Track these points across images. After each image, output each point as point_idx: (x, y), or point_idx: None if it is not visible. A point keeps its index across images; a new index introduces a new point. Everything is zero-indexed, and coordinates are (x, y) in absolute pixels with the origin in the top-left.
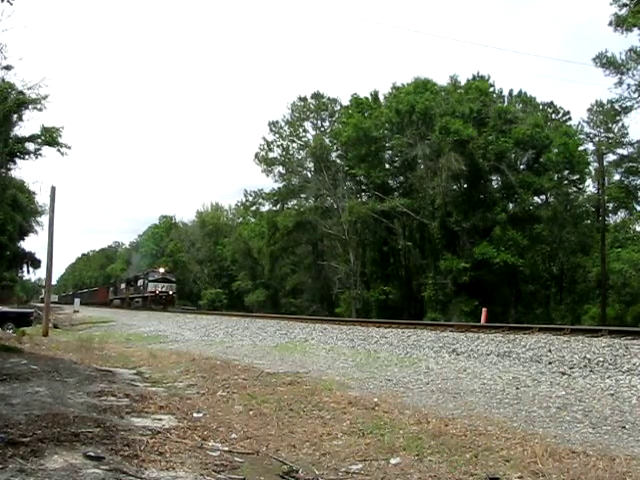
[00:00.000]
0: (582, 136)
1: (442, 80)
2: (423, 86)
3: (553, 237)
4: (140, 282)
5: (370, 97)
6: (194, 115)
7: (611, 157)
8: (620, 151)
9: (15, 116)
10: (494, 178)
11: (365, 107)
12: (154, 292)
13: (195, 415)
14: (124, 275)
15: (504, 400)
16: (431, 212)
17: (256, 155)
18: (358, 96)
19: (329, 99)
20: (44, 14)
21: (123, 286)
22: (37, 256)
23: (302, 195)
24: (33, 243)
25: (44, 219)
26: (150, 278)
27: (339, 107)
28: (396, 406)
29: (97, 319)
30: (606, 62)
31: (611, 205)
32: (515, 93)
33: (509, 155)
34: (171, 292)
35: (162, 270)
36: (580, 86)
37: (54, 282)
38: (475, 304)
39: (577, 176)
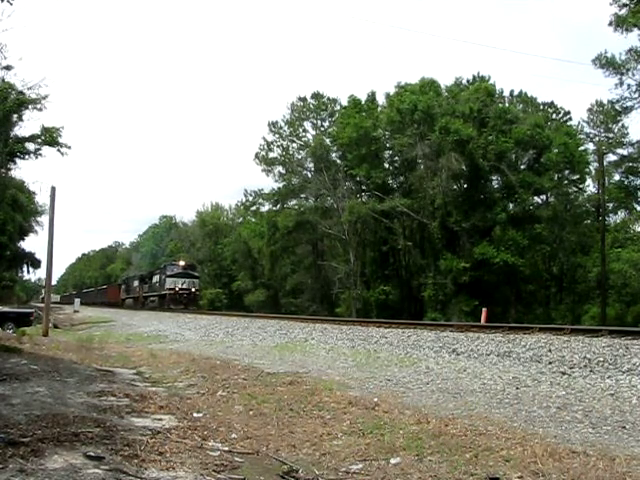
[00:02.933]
0: (582, 136)
1: (443, 81)
2: (428, 86)
3: (553, 237)
4: (156, 278)
5: (367, 97)
6: (194, 115)
7: (611, 157)
8: (620, 151)
9: (15, 116)
10: (494, 178)
11: (363, 107)
12: (173, 289)
13: (195, 415)
14: (124, 274)
15: (504, 400)
16: (431, 212)
17: (256, 155)
18: (356, 97)
19: (329, 99)
20: (44, 14)
21: (136, 284)
22: (37, 256)
23: (302, 195)
24: (33, 243)
25: (44, 219)
26: (168, 273)
27: (339, 107)
28: (396, 406)
29: (97, 319)
30: (606, 63)
31: (611, 205)
32: (516, 93)
33: (509, 155)
34: (194, 289)
35: (182, 263)
36: (581, 86)
37: (54, 282)
38: (475, 304)
39: (577, 176)
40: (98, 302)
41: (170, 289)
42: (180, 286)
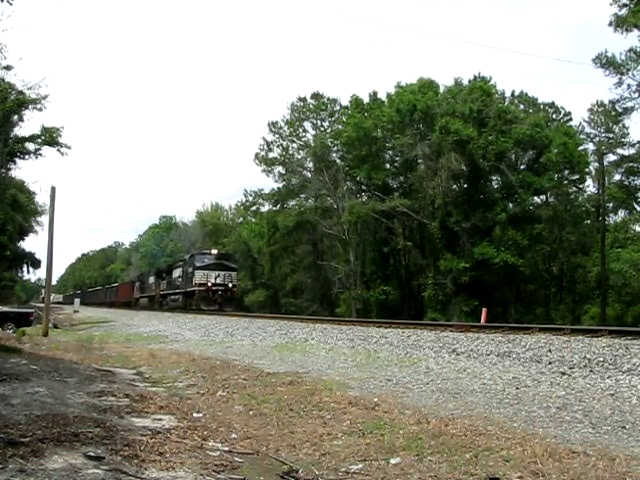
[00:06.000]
0: (583, 136)
1: (443, 80)
2: (427, 86)
3: (553, 237)
4: (178, 272)
5: (369, 97)
6: (194, 115)
7: (611, 157)
8: (621, 151)
9: (15, 116)
10: (494, 178)
11: (365, 107)
12: (205, 285)
13: (195, 415)
14: (125, 274)
15: (504, 400)
16: (431, 212)
17: (256, 155)
18: (358, 96)
19: (329, 99)
20: (44, 14)
21: (152, 280)
22: (37, 256)
23: (302, 195)
24: (33, 243)
25: (44, 219)
26: (198, 264)
27: (339, 107)
28: (396, 406)
29: (97, 319)
30: (606, 62)
31: (611, 205)
32: (517, 94)
33: (509, 155)
34: (231, 285)
35: (215, 251)
36: (580, 86)
37: (54, 282)
38: (475, 304)
39: (577, 176)
40: (107, 302)
41: (200, 285)
42: (213, 281)
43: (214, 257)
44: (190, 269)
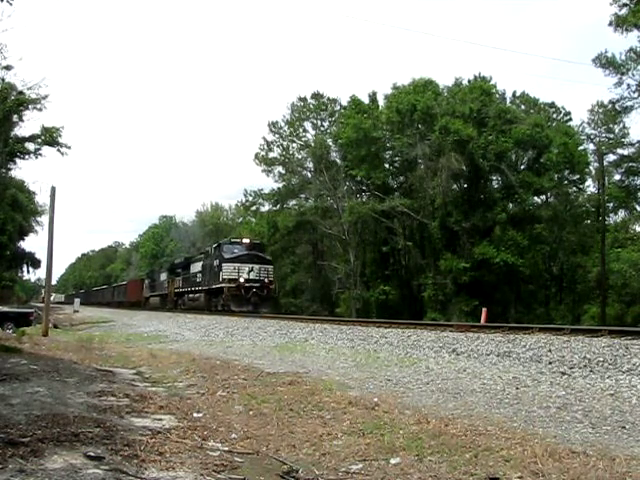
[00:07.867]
0: (583, 137)
1: (443, 81)
2: (425, 86)
3: (553, 237)
4: (198, 266)
5: (369, 98)
6: (194, 115)
7: (611, 157)
8: (621, 151)
9: (15, 116)
10: (494, 178)
11: (364, 107)
12: (236, 281)
13: (195, 415)
14: (125, 274)
15: (504, 400)
16: (431, 212)
17: (256, 155)
18: (356, 97)
19: (329, 99)
20: (44, 14)
21: (164, 277)
22: (37, 256)
23: (302, 195)
24: (33, 243)
25: (44, 219)
26: (226, 255)
27: (339, 107)
28: (396, 406)
29: (97, 319)
30: (605, 62)
31: (611, 205)
32: (517, 94)
33: (509, 155)
34: (267, 280)
35: (247, 241)
36: (580, 86)
37: (54, 282)
38: (475, 304)
39: (577, 176)
40: (115, 302)
41: (230, 281)
42: (246, 276)
43: (245, 247)
44: (216, 262)
